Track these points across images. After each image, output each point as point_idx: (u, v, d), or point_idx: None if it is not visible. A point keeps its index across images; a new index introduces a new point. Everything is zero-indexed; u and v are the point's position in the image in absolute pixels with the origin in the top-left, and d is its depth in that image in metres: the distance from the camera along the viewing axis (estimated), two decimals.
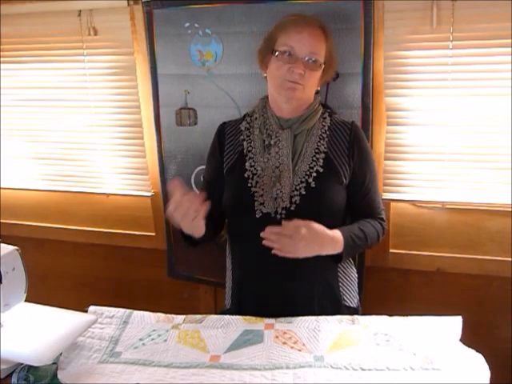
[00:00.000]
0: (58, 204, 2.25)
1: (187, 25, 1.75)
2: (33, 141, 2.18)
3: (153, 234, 2.14)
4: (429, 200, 1.78)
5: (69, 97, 2.05)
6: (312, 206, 1.27)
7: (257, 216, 1.26)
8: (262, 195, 1.27)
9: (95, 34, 1.91)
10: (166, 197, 1.99)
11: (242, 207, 1.30)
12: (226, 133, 1.38)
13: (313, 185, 1.26)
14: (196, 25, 1.74)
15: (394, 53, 1.66)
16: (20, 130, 2.18)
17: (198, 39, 1.75)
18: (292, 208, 1.26)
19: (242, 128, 1.35)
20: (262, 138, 1.31)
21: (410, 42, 1.63)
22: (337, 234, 1.23)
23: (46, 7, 1.92)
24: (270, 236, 1.15)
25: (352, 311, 1.34)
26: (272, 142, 1.28)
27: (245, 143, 1.33)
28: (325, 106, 1.41)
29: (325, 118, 1.34)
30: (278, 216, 1.26)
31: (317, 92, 1.36)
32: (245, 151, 1.32)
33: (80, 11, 1.89)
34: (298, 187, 1.26)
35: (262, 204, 1.26)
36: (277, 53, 1.25)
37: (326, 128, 1.32)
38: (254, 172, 1.29)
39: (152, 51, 1.83)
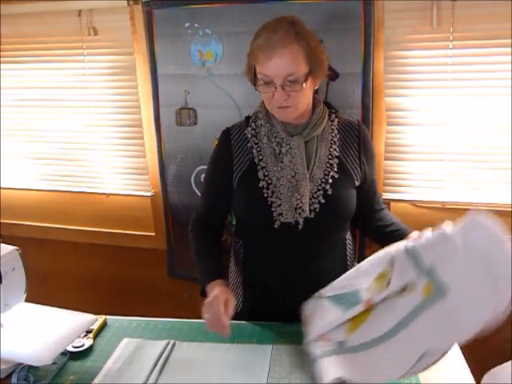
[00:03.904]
0: (58, 204, 2.25)
1: (187, 25, 1.75)
2: (33, 141, 2.18)
3: (153, 234, 2.14)
4: (429, 200, 1.78)
5: (69, 97, 2.05)
6: (331, 213, 1.25)
7: (275, 226, 1.23)
8: (279, 205, 1.23)
9: (95, 33, 1.91)
10: (166, 197, 1.99)
11: (260, 218, 1.26)
12: (232, 139, 1.31)
13: (330, 192, 1.24)
14: (196, 25, 1.74)
15: (394, 53, 1.66)
16: (20, 130, 2.18)
17: (197, 39, 1.75)
18: (311, 216, 1.23)
19: (249, 135, 1.29)
20: (272, 146, 1.26)
21: (410, 42, 1.63)
22: None
23: (45, 7, 1.92)
24: None
25: None
26: (283, 151, 1.24)
27: (254, 151, 1.27)
28: (327, 104, 1.35)
29: (332, 120, 1.30)
30: (300, 226, 1.23)
31: (316, 91, 1.33)
32: (256, 160, 1.26)
33: (80, 11, 1.89)
34: (315, 195, 1.23)
35: (280, 214, 1.23)
36: (257, 83, 1.20)
37: (336, 132, 1.29)
38: (269, 182, 1.24)
39: (152, 51, 1.83)
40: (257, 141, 1.28)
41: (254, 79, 1.21)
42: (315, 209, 1.23)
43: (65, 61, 2.01)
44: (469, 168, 1.71)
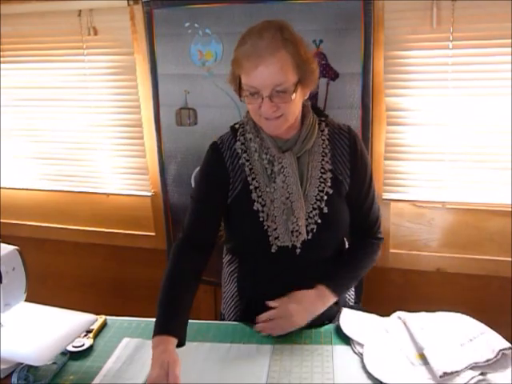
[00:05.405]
0: (59, 204, 2.25)
1: (187, 25, 1.75)
2: (33, 141, 2.18)
3: (153, 233, 2.14)
4: (429, 200, 1.78)
5: (69, 97, 2.05)
6: (329, 233, 1.21)
7: (272, 251, 1.18)
8: (275, 229, 1.17)
9: (95, 33, 1.91)
10: (166, 197, 1.99)
11: (256, 243, 1.21)
12: (225, 156, 1.22)
13: (325, 210, 1.18)
14: (196, 25, 1.74)
15: (394, 53, 1.66)
16: (20, 129, 2.18)
17: (198, 39, 1.75)
18: (309, 237, 1.18)
19: (239, 150, 1.21)
20: (264, 164, 1.18)
21: (410, 42, 1.63)
22: (321, 290, 1.20)
23: (46, 7, 1.92)
24: (265, 325, 1.16)
25: (355, 309, 1.33)
26: (276, 170, 1.16)
27: (246, 169, 1.19)
28: (316, 110, 1.26)
29: (322, 130, 1.22)
30: (298, 250, 1.19)
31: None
32: (249, 179, 1.19)
33: (80, 11, 1.89)
34: (311, 214, 1.18)
35: (276, 238, 1.18)
36: (242, 93, 1.12)
37: (327, 142, 1.21)
38: (263, 203, 1.18)
39: (152, 51, 1.83)
40: (248, 157, 1.20)
41: (238, 89, 1.12)
42: (312, 229, 1.18)
43: (65, 61, 2.01)
44: (469, 168, 1.71)
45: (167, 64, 1.82)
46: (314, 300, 1.19)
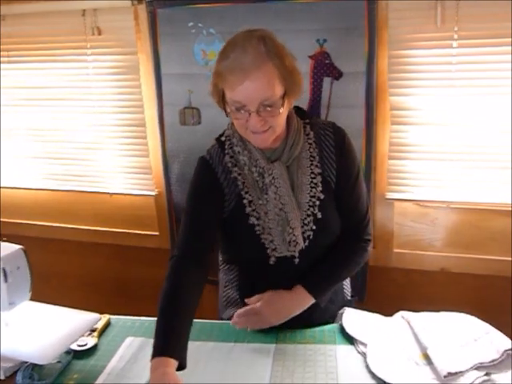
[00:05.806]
0: (62, 203, 2.26)
1: (191, 24, 1.75)
2: (37, 140, 2.19)
3: (156, 233, 2.15)
4: (433, 199, 1.77)
5: (73, 96, 2.06)
6: (324, 237, 1.20)
7: (271, 263, 1.18)
8: (272, 241, 1.16)
9: (99, 33, 1.92)
10: (169, 196, 2.00)
11: (255, 256, 1.20)
12: (216, 172, 1.19)
13: (319, 215, 1.17)
14: (200, 24, 1.74)
15: (398, 52, 1.65)
16: (24, 129, 2.19)
17: (201, 39, 1.76)
18: (306, 244, 1.17)
19: (229, 165, 1.18)
20: (254, 177, 1.16)
21: (414, 41, 1.63)
22: (298, 292, 1.18)
23: (49, 7, 1.93)
24: (240, 320, 1.16)
25: (349, 303, 1.34)
26: (267, 181, 1.14)
27: (239, 183, 1.17)
28: (299, 112, 1.21)
29: (308, 133, 1.19)
30: (296, 260, 1.18)
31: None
32: (242, 193, 1.17)
33: (84, 11, 1.90)
34: (306, 221, 1.16)
35: (274, 250, 1.17)
36: (228, 109, 1.07)
37: (314, 146, 1.18)
38: (257, 216, 1.16)
39: (156, 51, 1.83)
40: (239, 171, 1.17)
41: (223, 103, 1.08)
42: (309, 236, 1.17)
43: (69, 60, 2.01)
44: (473, 167, 1.70)
45: (171, 63, 1.83)
46: (288, 302, 1.18)
